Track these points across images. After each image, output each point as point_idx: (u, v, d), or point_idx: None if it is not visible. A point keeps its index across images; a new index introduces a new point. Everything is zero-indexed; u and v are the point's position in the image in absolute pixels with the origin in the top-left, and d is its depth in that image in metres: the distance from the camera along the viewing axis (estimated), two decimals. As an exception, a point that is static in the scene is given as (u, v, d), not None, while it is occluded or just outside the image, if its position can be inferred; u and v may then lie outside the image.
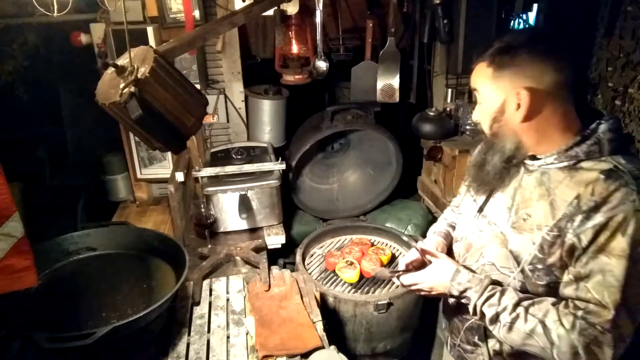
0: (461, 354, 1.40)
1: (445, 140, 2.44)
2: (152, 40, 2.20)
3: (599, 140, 1.05)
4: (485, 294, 1.16)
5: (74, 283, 1.52)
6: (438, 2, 2.16)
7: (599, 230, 0.99)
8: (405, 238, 2.30)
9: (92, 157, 2.76)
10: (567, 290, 1.07)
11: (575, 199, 1.04)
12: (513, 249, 1.16)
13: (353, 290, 2.06)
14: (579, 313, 1.03)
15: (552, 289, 1.12)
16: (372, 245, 2.33)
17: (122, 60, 1.25)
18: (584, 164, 1.06)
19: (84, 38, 2.31)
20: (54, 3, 1.45)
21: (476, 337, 1.31)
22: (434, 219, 2.76)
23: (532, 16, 2.29)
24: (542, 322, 1.07)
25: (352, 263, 2.10)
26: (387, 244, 2.37)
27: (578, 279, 1.04)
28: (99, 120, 2.64)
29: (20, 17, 2.52)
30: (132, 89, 1.15)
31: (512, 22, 2.22)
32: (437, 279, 1.29)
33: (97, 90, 1.26)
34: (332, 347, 1.46)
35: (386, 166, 2.78)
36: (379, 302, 1.91)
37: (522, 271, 1.14)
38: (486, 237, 1.25)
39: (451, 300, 1.33)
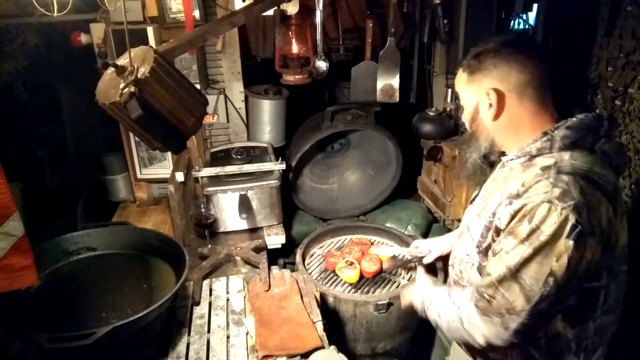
0: None
1: (445, 140, 2.44)
2: (152, 40, 2.20)
3: (552, 137, 1.13)
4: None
5: (74, 283, 1.52)
6: (438, 2, 2.16)
7: (513, 215, 1.09)
8: (405, 238, 2.30)
9: (92, 157, 2.76)
10: (485, 264, 1.20)
11: (515, 188, 1.14)
12: (471, 232, 1.29)
13: (353, 290, 2.06)
14: (476, 287, 1.18)
15: None
16: (372, 245, 2.34)
17: (122, 60, 1.25)
18: (537, 160, 1.14)
19: (84, 38, 2.31)
20: (54, 3, 1.45)
21: None
22: (434, 219, 2.76)
23: (532, 16, 2.28)
24: (449, 297, 1.27)
25: (352, 263, 2.10)
26: (387, 244, 2.37)
27: (494, 254, 1.15)
28: (99, 120, 2.65)
29: (20, 17, 2.52)
30: (132, 89, 1.15)
31: (512, 22, 2.22)
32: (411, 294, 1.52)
33: (97, 90, 1.26)
34: (332, 347, 1.47)
35: (386, 166, 2.78)
36: (379, 302, 1.91)
37: (477, 253, 1.26)
38: (465, 224, 1.39)
39: (451, 279, 1.46)
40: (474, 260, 1.28)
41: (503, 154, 1.26)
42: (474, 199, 1.41)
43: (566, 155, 1.11)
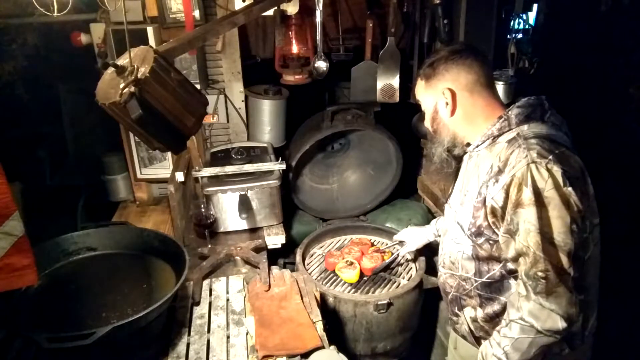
0: (453, 324, 1.57)
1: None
2: (152, 40, 2.20)
3: (508, 117, 1.30)
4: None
5: (74, 283, 1.52)
6: (438, 2, 2.16)
7: (507, 188, 1.20)
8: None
9: (92, 157, 2.76)
10: (510, 251, 1.24)
11: (490, 167, 1.27)
12: (459, 221, 1.40)
13: (353, 290, 2.06)
14: (522, 276, 1.20)
15: (492, 245, 1.31)
16: (372, 245, 2.33)
17: (122, 60, 1.25)
18: (500, 138, 1.30)
19: (84, 38, 2.31)
20: (54, 3, 1.45)
21: (456, 308, 1.50)
22: (433, 219, 2.76)
23: (532, 16, 2.29)
24: (510, 321, 1.24)
25: (352, 263, 2.10)
26: (387, 244, 2.37)
27: (512, 234, 1.22)
28: (99, 120, 2.65)
29: (20, 17, 2.52)
30: (132, 89, 1.15)
31: (512, 22, 2.22)
32: None
33: (97, 90, 1.26)
34: (332, 347, 1.47)
35: (386, 166, 2.78)
36: (379, 302, 1.91)
37: (468, 237, 1.36)
38: (449, 219, 1.50)
39: (440, 280, 1.56)
40: (466, 247, 1.38)
41: (468, 145, 1.40)
42: (449, 196, 1.54)
43: (525, 127, 1.26)
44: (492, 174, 1.25)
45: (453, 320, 1.55)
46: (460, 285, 1.45)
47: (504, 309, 1.33)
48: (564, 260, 1.15)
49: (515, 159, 1.20)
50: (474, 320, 1.44)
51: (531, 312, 1.20)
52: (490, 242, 1.31)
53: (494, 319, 1.38)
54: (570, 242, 1.15)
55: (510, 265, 1.30)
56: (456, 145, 1.43)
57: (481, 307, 1.41)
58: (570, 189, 1.14)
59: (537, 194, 1.15)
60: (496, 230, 1.28)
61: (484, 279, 1.37)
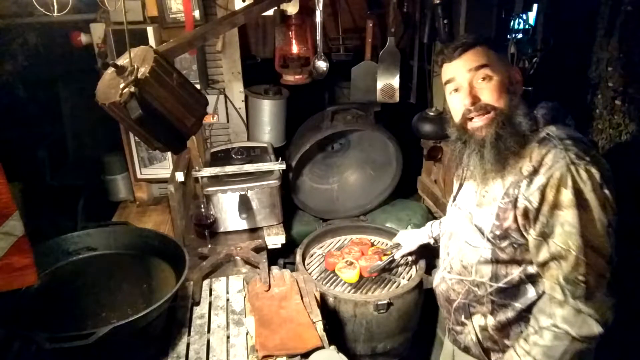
0: (454, 336, 1.50)
1: (445, 140, 2.44)
2: (152, 40, 2.20)
3: (534, 116, 1.26)
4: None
5: (74, 283, 1.52)
6: (438, 2, 2.16)
7: (543, 189, 1.16)
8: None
9: (92, 157, 2.76)
10: (542, 254, 1.20)
11: (518, 167, 1.22)
12: (477, 223, 1.33)
13: (353, 290, 2.06)
14: (560, 280, 1.16)
15: (515, 249, 1.26)
16: (372, 245, 2.33)
17: (122, 60, 1.25)
18: (529, 138, 1.24)
19: (84, 38, 2.31)
20: (54, 3, 1.45)
21: (463, 316, 1.43)
22: (434, 219, 2.76)
23: (532, 16, 2.28)
24: (541, 328, 1.20)
25: (351, 263, 2.10)
26: (387, 244, 2.37)
27: (545, 237, 1.18)
28: (99, 120, 2.65)
29: (20, 17, 2.52)
30: (132, 89, 1.15)
31: (512, 22, 2.22)
32: None
33: (97, 90, 1.26)
34: (332, 347, 1.47)
35: (386, 166, 2.78)
36: (379, 302, 1.91)
37: (488, 240, 1.30)
38: (459, 220, 1.42)
39: (441, 287, 1.50)
40: (484, 250, 1.31)
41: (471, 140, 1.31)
42: (454, 197, 1.48)
43: (553, 127, 1.23)
44: (524, 174, 1.20)
45: (455, 331, 1.48)
46: (470, 291, 1.38)
47: (517, 316, 1.30)
48: (603, 263, 1.13)
49: (552, 159, 1.16)
50: (484, 329, 1.38)
51: (565, 318, 1.16)
52: (515, 245, 1.26)
53: (506, 328, 1.33)
54: (608, 245, 1.13)
55: (530, 269, 1.27)
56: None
57: (492, 315, 1.35)
58: (607, 191, 1.13)
59: (578, 196, 1.12)
60: (524, 232, 1.23)
61: (500, 284, 1.31)
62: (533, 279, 1.27)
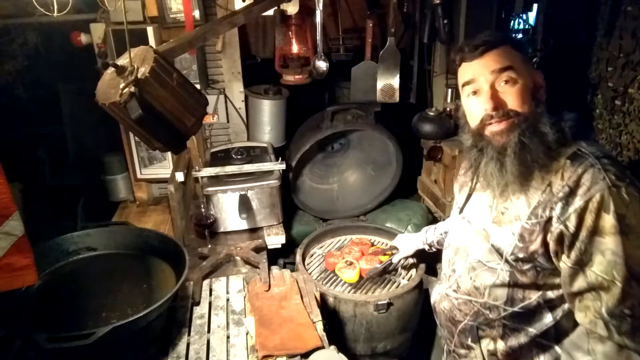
0: (456, 359, 1.40)
1: (445, 140, 2.44)
2: (152, 40, 2.20)
3: (562, 128, 1.13)
4: None
5: (74, 283, 1.52)
6: (438, 2, 2.16)
7: (582, 213, 1.04)
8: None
9: (92, 157, 2.76)
10: (577, 284, 1.08)
11: (548, 186, 1.10)
12: (494, 242, 1.21)
13: (353, 290, 2.06)
14: (604, 314, 1.04)
15: (538, 273, 1.15)
16: (372, 245, 2.33)
17: (122, 60, 1.25)
18: (558, 152, 1.12)
19: (84, 38, 2.31)
20: (54, 3, 1.46)
21: (469, 340, 1.32)
22: (434, 219, 2.76)
23: (532, 16, 2.28)
24: None
25: (351, 263, 2.10)
26: (386, 244, 2.37)
27: (582, 265, 1.06)
28: (99, 120, 2.65)
29: (20, 17, 2.52)
30: (132, 89, 1.15)
31: (512, 22, 2.22)
32: None
33: (97, 90, 1.26)
34: (332, 347, 1.46)
35: (386, 166, 2.78)
36: (379, 302, 1.91)
37: (507, 262, 1.18)
38: (469, 236, 1.30)
39: (443, 305, 1.39)
40: (502, 272, 1.20)
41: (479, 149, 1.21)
42: (462, 208, 1.35)
43: (584, 143, 1.12)
44: (557, 194, 1.08)
45: (458, 354, 1.37)
46: (480, 313, 1.26)
47: (530, 341, 1.21)
48: None
49: (591, 180, 1.04)
50: (493, 354, 1.27)
51: (607, 355, 1.06)
52: (538, 269, 1.15)
53: (516, 353, 1.24)
54: None
55: (550, 294, 1.17)
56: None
57: (503, 339, 1.25)
58: None
59: (621, 221, 1.01)
60: (554, 259, 1.12)
61: (515, 308, 1.20)
62: (552, 304, 1.18)
